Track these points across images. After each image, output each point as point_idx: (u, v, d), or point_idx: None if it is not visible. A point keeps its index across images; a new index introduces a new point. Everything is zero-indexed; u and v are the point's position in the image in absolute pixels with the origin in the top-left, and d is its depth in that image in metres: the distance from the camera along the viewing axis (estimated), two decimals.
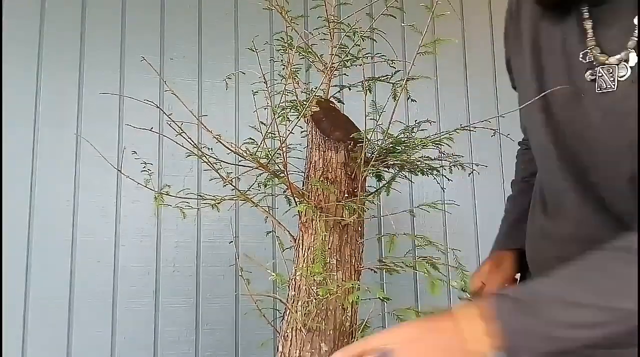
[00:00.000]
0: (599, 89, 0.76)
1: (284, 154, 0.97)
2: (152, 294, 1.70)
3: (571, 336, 0.64)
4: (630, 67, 0.74)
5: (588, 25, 0.79)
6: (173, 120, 0.98)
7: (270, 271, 1.05)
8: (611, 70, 0.75)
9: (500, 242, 1.11)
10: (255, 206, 1.06)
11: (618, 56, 0.75)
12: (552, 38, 0.84)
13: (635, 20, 0.73)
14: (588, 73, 0.78)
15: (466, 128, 1.07)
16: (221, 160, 1.02)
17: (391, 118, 0.97)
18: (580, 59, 0.79)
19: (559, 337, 0.64)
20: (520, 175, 1.15)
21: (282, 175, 1.02)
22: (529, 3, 0.89)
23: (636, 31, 0.73)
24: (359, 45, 1.02)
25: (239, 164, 1.05)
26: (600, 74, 0.76)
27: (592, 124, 0.77)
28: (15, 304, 1.59)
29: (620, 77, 0.75)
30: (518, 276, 1.05)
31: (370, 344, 0.70)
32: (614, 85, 0.75)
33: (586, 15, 0.79)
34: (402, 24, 0.82)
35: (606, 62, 0.76)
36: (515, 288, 0.70)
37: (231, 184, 1.02)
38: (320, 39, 1.08)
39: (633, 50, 0.73)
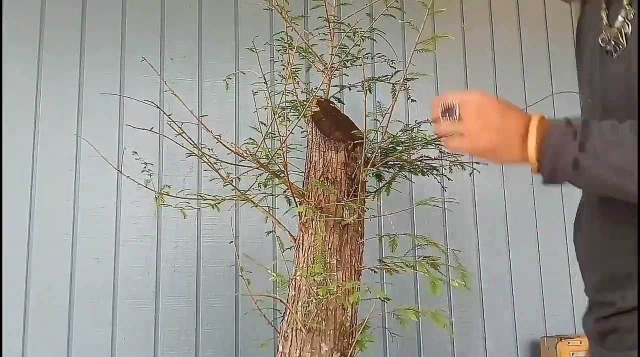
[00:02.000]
0: (615, 53, 0.77)
1: (284, 154, 0.97)
2: (152, 294, 1.69)
3: (597, 173, 0.69)
4: (630, 20, 0.75)
5: (605, 11, 0.80)
6: (173, 121, 0.98)
7: (270, 271, 1.05)
8: (617, 33, 0.76)
9: None
10: (256, 206, 1.06)
11: (619, 19, 0.76)
12: (586, 30, 0.86)
13: None
14: (605, 47, 0.78)
15: None
16: (221, 161, 1.02)
17: (389, 118, 0.97)
18: (600, 44, 0.80)
19: (587, 169, 0.69)
20: None
21: (282, 175, 1.02)
22: None
23: None
24: (359, 46, 1.03)
25: (239, 164, 1.05)
26: (612, 42, 0.77)
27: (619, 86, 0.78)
28: (15, 304, 1.59)
29: (627, 32, 0.75)
30: None
31: (446, 98, 0.78)
32: (624, 42, 0.76)
33: (604, 5, 0.81)
34: (401, 21, 0.82)
35: (614, 29, 0.76)
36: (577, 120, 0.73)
37: (231, 184, 1.02)
38: (320, 39, 1.08)
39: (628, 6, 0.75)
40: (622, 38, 0.77)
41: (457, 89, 1.76)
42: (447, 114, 0.78)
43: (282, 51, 1.08)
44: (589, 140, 0.69)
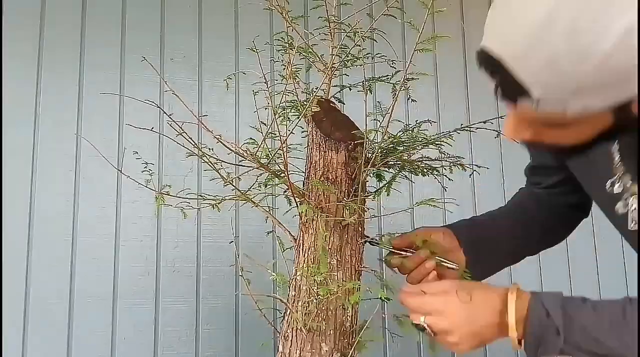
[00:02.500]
0: (633, 223, 0.73)
1: (285, 154, 0.97)
2: (152, 294, 1.69)
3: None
4: None
5: (615, 148, 0.75)
6: (173, 120, 0.98)
7: (270, 271, 1.05)
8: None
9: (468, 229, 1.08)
10: (256, 206, 1.06)
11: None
12: (581, 162, 0.82)
13: None
14: (620, 205, 0.75)
15: (466, 128, 1.07)
16: (222, 161, 1.02)
17: (389, 118, 0.97)
18: (608, 189, 0.76)
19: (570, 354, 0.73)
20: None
21: (282, 175, 1.02)
22: None
23: None
24: (359, 46, 1.02)
25: (240, 164, 1.05)
26: (633, 208, 0.73)
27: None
28: (15, 304, 1.59)
29: None
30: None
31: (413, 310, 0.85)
32: None
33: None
34: (401, 20, 0.82)
35: (635, 190, 0.72)
36: (555, 299, 0.76)
37: (231, 184, 1.02)
38: (321, 39, 1.08)
39: None
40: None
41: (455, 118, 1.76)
42: (421, 330, 0.84)
43: (282, 51, 1.08)
44: (572, 336, 0.73)
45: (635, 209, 0.73)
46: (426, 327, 0.82)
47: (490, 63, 0.64)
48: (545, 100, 0.61)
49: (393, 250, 1.02)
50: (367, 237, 1.04)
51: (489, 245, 1.03)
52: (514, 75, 0.61)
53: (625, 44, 0.56)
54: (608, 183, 0.76)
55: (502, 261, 1.08)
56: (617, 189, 0.76)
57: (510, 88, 0.63)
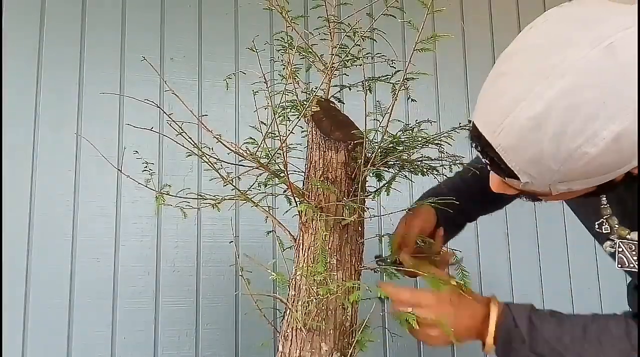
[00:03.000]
0: (619, 265, 0.75)
1: (284, 154, 0.97)
2: (152, 294, 1.69)
3: None
4: None
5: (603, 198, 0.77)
6: (173, 120, 0.98)
7: (270, 270, 1.05)
8: (633, 247, 0.73)
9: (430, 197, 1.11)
10: (256, 206, 1.06)
11: (633, 233, 0.73)
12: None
13: None
14: (607, 244, 0.77)
15: (466, 127, 1.07)
16: (221, 160, 1.02)
17: (389, 117, 0.97)
18: (597, 229, 0.78)
19: None
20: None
21: (282, 175, 1.02)
22: None
23: None
24: (359, 45, 1.02)
25: (239, 164, 1.05)
26: (621, 249, 0.74)
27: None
28: (15, 304, 1.59)
29: None
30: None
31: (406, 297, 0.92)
32: (637, 264, 0.73)
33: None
34: (400, 20, 0.82)
35: (627, 236, 0.74)
36: (525, 312, 0.83)
37: (231, 184, 1.02)
38: (321, 39, 1.08)
39: None
40: (636, 256, 0.75)
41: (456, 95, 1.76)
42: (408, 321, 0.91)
43: (282, 51, 1.08)
44: (536, 346, 0.79)
45: (623, 250, 0.76)
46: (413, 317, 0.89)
47: (480, 143, 0.66)
48: (532, 184, 0.64)
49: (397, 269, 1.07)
50: (379, 256, 1.11)
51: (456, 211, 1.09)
52: (503, 161, 0.64)
53: (613, 149, 0.57)
54: (596, 224, 0.79)
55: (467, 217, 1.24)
56: (604, 229, 0.78)
57: (499, 168, 0.65)
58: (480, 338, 0.88)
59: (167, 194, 1.05)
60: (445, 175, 1.12)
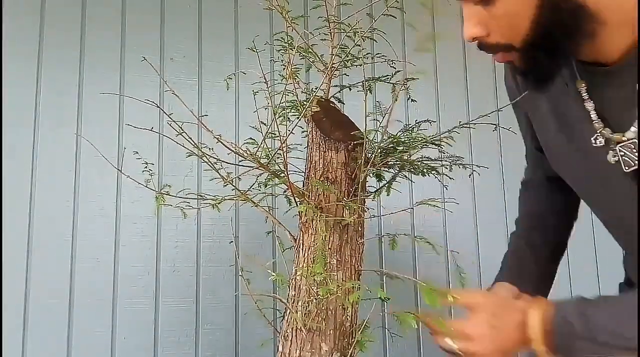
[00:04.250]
0: (627, 167, 0.76)
1: (284, 154, 0.97)
2: (152, 294, 1.69)
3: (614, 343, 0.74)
4: None
5: (590, 106, 0.79)
6: (173, 120, 0.98)
7: (270, 270, 1.05)
8: (633, 146, 0.74)
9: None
10: (256, 206, 1.06)
11: (634, 129, 0.74)
12: (560, 124, 0.86)
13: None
14: (610, 155, 0.77)
15: (465, 125, 1.07)
16: (221, 160, 1.02)
17: (389, 117, 0.97)
18: (594, 145, 0.79)
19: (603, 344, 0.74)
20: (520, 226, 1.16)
21: (282, 175, 1.02)
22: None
23: None
24: (359, 46, 1.02)
25: (239, 164, 1.05)
26: (623, 153, 0.75)
27: (625, 203, 0.78)
28: (15, 304, 1.59)
29: None
30: None
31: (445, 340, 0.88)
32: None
33: (585, 96, 0.79)
34: (401, 20, 0.82)
35: (623, 139, 0.75)
36: (574, 308, 0.79)
37: (231, 184, 1.02)
38: (321, 39, 1.08)
39: None
40: (636, 153, 0.74)
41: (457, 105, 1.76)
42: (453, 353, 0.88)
43: (282, 51, 1.08)
44: (598, 336, 0.75)
45: (624, 153, 0.76)
46: (456, 350, 0.87)
47: None
48: None
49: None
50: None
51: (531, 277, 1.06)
52: None
53: None
54: (592, 140, 0.79)
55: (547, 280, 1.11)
56: (599, 142, 0.78)
57: None
58: (529, 345, 0.84)
59: (167, 194, 1.05)
60: (446, 175, 1.11)
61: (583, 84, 0.79)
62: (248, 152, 0.99)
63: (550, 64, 0.75)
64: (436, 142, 1.04)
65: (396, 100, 0.96)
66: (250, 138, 1.07)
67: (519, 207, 1.15)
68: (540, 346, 0.79)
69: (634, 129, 0.74)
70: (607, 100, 0.77)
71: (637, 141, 0.74)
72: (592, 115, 0.78)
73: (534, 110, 0.93)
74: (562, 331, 0.77)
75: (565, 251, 1.13)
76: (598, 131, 0.78)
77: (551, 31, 0.72)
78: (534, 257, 1.06)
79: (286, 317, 0.98)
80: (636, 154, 0.74)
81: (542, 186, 1.09)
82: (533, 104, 0.92)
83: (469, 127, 1.06)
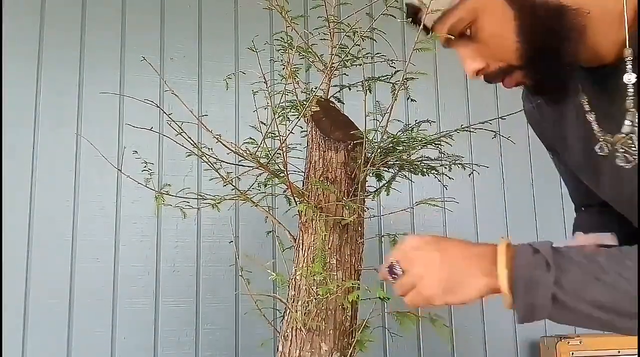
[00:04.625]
0: (634, 158, 0.76)
1: (284, 154, 0.97)
2: (152, 294, 1.69)
3: (580, 308, 0.64)
4: None
5: (592, 117, 0.79)
6: (173, 120, 0.98)
7: (270, 270, 1.05)
8: (630, 142, 0.75)
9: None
10: (255, 206, 1.06)
11: (627, 122, 0.74)
12: (570, 136, 0.85)
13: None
14: (618, 159, 0.77)
15: (466, 129, 1.07)
16: (221, 160, 1.02)
17: (389, 117, 0.98)
18: (599, 153, 0.79)
19: (567, 305, 0.64)
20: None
21: (282, 175, 1.02)
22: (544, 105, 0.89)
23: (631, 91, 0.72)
24: (359, 45, 1.02)
25: (239, 164, 1.06)
26: (623, 150, 0.76)
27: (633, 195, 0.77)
28: (15, 304, 1.59)
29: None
30: None
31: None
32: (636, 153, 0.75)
33: (587, 108, 0.80)
34: (400, 20, 0.82)
35: (619, 137, 0.76)
36: (547, 247, 0.68)
37: (231, 184, 1.02)
38: (320, 39, 1.08)
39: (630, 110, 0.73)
40: (634, 147, 0.74)
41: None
42: (392, 274, 0.74)
43: (282, 51, 1.08)
44: (564, 275, 0.64)
45: (625, 149, 0.75)
46: (394, 265, 0.73)
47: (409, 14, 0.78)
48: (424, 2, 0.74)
49: None
50: None
51: None
52: (409, 5, 0.77)
53: None
54: (597, 149, 0.79)
55: None
56: (605, 150, 0.78)
57: (415, 13, 0.77)
58: (490, 277, 0.69)
59: (167, 194, 1.05)
60: (446, 175, 1.11)
61: (585, 97, 0.80)
62: (248, 152, 0.99)
63: (557, 69, 0.75)
64: (436, 143, 1.04)
65: (396, 100, 0.96)
66: (250, 138, 1.07)
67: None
68: (506, 286, 0.66)
69: (627, 122, 0.74)
70: (605, 108, 0.78)
71: (632, 135, 0.74)
72: (594, 126, 0.79)
73: (558, 136, 0.92)
74: (526, 257, 0.66)
75: None
76: (600, 141, 0.78)
77: (539, 38, 0.73)
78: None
79: (286, 317, 0.98)
80: (633, 148, 0.75)
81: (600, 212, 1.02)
82: (556, 132, 0.92)
83: (470, 131, 1.06)
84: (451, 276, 0.70)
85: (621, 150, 0.76)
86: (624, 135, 0.75)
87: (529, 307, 0.66)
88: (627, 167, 0.76)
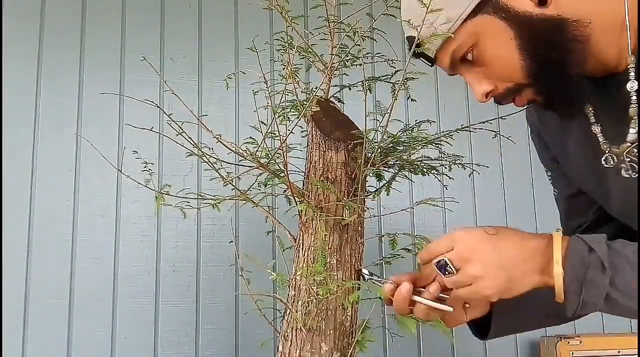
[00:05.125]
0: (635, 174, 0.75)
1: (284, 154, 0.97)
2: (152, 294, 1.69)
3: (629, 304, 0.67)
4: None
5: (597, 129, 0.79)
6: (173, 120, 0.98)
7: (270, 270, 1.05)
8: (635, 150, 0.75)
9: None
10: (255, 206, 1.06)
11: (632, 130, 0.74)
12: (574, 148, 0.85)
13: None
14: (623, 171, 0.76)
15: (466, 129, 1.07)
16: (221, 160, 1.02)
17: (389, 117, 0.97)
18: (605, 165, 0.78)
19: (619, 302, 0.67)
20: None
21: (282, 175, 1.02)
22: (549, 117, 0.89)
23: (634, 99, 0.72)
24: (359, 45, 1.02)
25: (239, 164, 1.05)
26: (629, 159, 0.75)
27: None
28: (15, 304, 1.59)
29: None
30: None
31: (433, 252, 0.77)
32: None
33: (592, 119, 0.79)
34: (400, 20, 0.82)
35: (625, 147, 0.75)
36: (599, 241, 0.70)
37: (231, 184, 1.02)
38: (320, 39, 1.08)
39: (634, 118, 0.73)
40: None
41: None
42: (443, 271, 0.74)
43: (282, 51, 1.08)
44: (618, 275, 0.66)
45: (630, 159, 0.75)
46: (447, 263, 0.73)
47: (413, 39, 0.78)
48: (423, 33, 0.74)
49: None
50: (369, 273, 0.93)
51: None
52: (409, 37, 0.77)
53: None
54: (603, 161, 0.78)
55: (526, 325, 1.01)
56: (611, 162, 0.77)
57: (417, 45, 0.77)
58: (544, 275, 0.70)
59: (167, 194, 1.05)
60: (446, 175, 1.11)
61: (591, 108, 0.79)
62: (248, 152, 0.99)
63: (565, 82, 0.74)
64: (436, 142, 1.04)
65: (396, 100, 0.96)
66: (250, 138, 1.07)
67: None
68: (559, 268, 0.67)
69: (631, 130, 0.73)
70: (611, 120, 0.77)
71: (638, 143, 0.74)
72: (599, 138, 0.78)
73: (562, 150, 0.91)
74: (580, 254, 0.67)
75: None
76: (607, 152, 0.77)
77: (543, 53, 0.72)
78: None
79: (286, 317, 0.98)
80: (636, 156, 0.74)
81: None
82: (559, 145, 0.91)
83: (470, 131, 1.06)
84: (509, 276, 0.72)
85: (627, 159, 0.76)
86: (629, 144, 0.75)
87: (581, 304, 0.68)
88: (633, 176, 0.76)
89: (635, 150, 0.74)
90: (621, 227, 0.86)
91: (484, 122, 1.06)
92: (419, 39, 0.76)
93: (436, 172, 1.10)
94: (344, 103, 1.20)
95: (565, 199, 1.00)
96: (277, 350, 0.98)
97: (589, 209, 0.95)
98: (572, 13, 0.70)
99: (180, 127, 0.98)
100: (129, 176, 1.09)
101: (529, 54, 0.72)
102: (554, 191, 1.01)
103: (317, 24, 1.07)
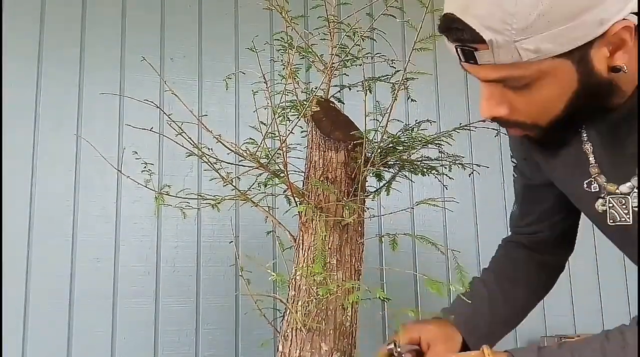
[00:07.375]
0: (611, 221, 0.74)
1: (284, 154, 0.97)
2: (152, 294, 1.69)
3: None
4: None
5: (589, 149, 0.77)
6: (173, 120, 0.98)
7: (270, 271, 1.05)
8: (624, 201, 0.73)
9: (464, 318, 1.06)
10: (255, 206, 1.06)
11: (629, 184, 0.72)
12: (559, 166, 0.85)
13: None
14: (598, 203, 0.76)
15: (466, 128, 1.07)
16: (221, 160, 1.02)
17: (388, 117, 0.97)
18: (586, 189, 0.77)
19: None
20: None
21: (282, 175, 1.02)
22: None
23: None
24: (359, 45, 1.02)
25: (239, 164, 1.05)
26: (612, 205, 0.74)
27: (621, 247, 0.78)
28: (15, 304, 1.59)
29: (635, 207, 0.72)
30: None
31: None
32: (628, 218, 0.73)
33: (585, 137, 0.78)
34: (400, 20, 0.82)
35: (616, 191, 0.74)
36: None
37: (231, 184, 1.02)
38: (320, 39, 1.08)
39: None
40: (628, 211, 0.73)
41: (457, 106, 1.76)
42: None
43: (282, 51, 1.08)
44: None
45: (613, 205, 0.74)
46: None
47: (446, 24, 0.68)
48: (498, 43, 0.63)
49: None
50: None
51: (485, 323, 1.06)
52: (466, 26, 0.65)
53: None
54: (585, 183, 0.78)
55: (500, 330, 1.14)
56: (594, 188, 0.77)
57: (465, 39, 0.66)
58: None
59: (167, 194, 1.05)
60: (446, 175, 1.11)
61: (590, 147, 0.78)
62: (248, 152, 0.99)
63: (569, 133, 0.74)
64: (436, 142, 1.04)
65: (396, 100, 0.96)
66: (250, 138, 1.07)
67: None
68: None
69: (629, 184, 0.72)
70: (606, 147, 0.76)
71: (628, 197, 0.72)
72: (590, 159, 0.77)
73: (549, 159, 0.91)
74: None
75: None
76: (592, 176, 0.77)
77: (582, 111, 0.70)
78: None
79: (286, 317, 0.98)
80: (624, 209, 0.73)
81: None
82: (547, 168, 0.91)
83: (469, 130, 1.06)
84: None
85: (610, 204, 0.74)
86: (618, 192, 0.73)
87: None
88: (609, 223, 0.75)
89: (623, 201, 0.73)
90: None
91: (484, 121, 1.06)
92: (490, 41, 0.66)
93: (436, 172, 1.10)
94: (344, 103, 1.20)
95: (524, 202, 1.05)
96: (277, 350, 0.98)
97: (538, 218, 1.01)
98: (622, 82, 0.69)
99: (180, 127, 0.98)
100: (129, 176, 1.09)
101: (572, 107, 0.69)
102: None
103: (317, 24, 1.07)
